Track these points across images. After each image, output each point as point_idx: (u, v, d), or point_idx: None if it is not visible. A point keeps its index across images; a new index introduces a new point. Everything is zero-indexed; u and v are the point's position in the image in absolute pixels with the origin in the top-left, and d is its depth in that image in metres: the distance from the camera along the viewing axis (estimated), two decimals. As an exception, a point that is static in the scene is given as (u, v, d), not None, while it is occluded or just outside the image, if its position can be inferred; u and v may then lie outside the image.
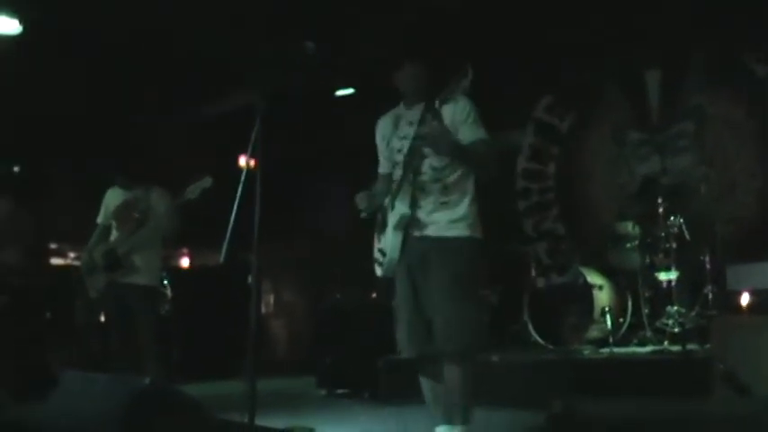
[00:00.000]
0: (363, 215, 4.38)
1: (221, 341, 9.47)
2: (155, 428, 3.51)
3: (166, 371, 6.63)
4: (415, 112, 4.31)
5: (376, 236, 4.44)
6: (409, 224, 4.20)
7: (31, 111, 9.18)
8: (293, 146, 4.26)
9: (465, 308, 4.09)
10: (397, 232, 4.21)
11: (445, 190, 4.22)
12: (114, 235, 6.55)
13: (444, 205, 4.21)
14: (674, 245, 7.08)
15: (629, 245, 7.49)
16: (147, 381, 3.70)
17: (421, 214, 4.20)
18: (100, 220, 6.69)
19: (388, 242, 4.26)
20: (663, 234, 7.13)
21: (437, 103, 4.06)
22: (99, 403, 3.74)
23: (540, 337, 7.51)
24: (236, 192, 4.02)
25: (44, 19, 8.00)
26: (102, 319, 8.06)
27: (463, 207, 4.23)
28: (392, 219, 4.24)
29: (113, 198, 6.64)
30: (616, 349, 6.97)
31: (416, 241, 4.22)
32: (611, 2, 8.17)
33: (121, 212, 6.54)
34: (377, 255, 4.40)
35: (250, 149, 3.90)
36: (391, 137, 4.42)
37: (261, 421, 3.76)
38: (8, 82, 8.68)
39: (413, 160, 4.20)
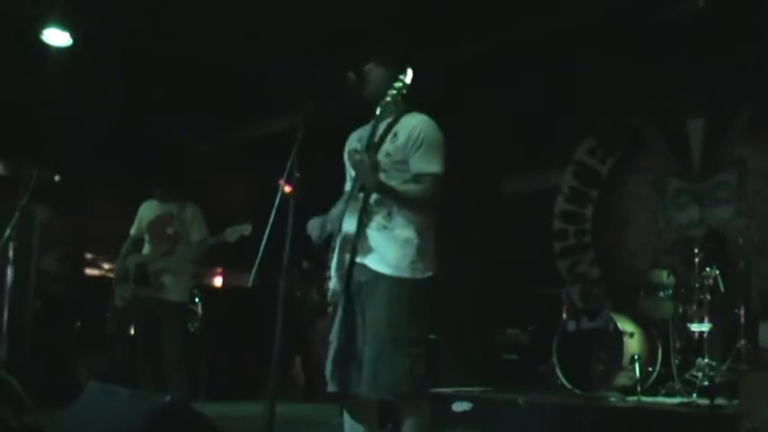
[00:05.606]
0: (317, 242, 4.08)
1: (249, 362, 9.49)
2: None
3: (191, 388, 6.64)
4: (368, 127, 4.10)
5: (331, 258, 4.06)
6: (354, 247, 3.87)
7: (76, 121, 9.32)
8: (330, 173, 4.25)
9: (397, 354, 3.76)
10: (343, 254, 3.89)
11: (388, 216, 3.88)
12: (147, 248, 6.60)
13: (386, 231, 3.87)
14: (709, 296, 6.97)
15: (662, 293, 7.39)
16: (168, 398, 3.70)
17: (365, 237, 3.87)
18: (133, 232, 6.75)
19: (333, 266, 3.93)
20: (697, 285, 7.03)
21: (391, 117, 3.86)
22: (118, 417, 3.76)
23: (566, 380, 7.43)
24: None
25: (94, 33, 8.13)
26: (132, 331, 8.13)
27: (407, 241, 3.87)
28: (339, 239, 3.94)
29: (148, 212, 6.70)
30: (643, 398, 6.87)
31: (358, 269, 3.89)
32: (656, 47, 8.14)
33: (155, 227, 6.59)
34: (328, 276, 4.03)
35: (286, 174, 3.91)
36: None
37: (278, 446, 3.74)
38: (56, 92, 8.84)
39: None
